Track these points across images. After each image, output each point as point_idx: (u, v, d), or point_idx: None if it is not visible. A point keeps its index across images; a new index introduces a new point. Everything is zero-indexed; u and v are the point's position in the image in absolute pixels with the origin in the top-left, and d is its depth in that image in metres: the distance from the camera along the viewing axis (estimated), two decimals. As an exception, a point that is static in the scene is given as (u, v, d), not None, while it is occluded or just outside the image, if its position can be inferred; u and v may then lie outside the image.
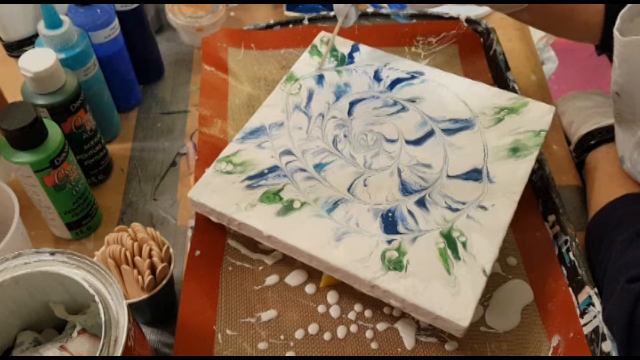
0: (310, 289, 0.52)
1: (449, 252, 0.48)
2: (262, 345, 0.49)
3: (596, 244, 0.53)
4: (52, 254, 0.40)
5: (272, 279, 0.53)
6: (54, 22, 0.55)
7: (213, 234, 0.55)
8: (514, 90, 0.63)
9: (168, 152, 0.66)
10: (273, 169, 0.54)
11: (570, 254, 0.52)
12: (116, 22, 0.62)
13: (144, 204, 0.61)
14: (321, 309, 0.51)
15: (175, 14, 0.75)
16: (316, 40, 0.66)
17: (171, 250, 0.50)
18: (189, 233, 0.55)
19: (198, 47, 0.75)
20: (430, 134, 0.57)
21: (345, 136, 0.57)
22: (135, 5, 0.65)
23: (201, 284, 0.52)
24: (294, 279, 0.53)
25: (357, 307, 0.51)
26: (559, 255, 0.53)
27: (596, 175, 0.59)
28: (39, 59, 0.52)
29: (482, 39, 0.72)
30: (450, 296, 0.46)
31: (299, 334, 0.50)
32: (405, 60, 0.64)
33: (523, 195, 0.52)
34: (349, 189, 0.52)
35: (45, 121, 0.50)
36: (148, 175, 0.64)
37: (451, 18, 0.72)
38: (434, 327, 0.49)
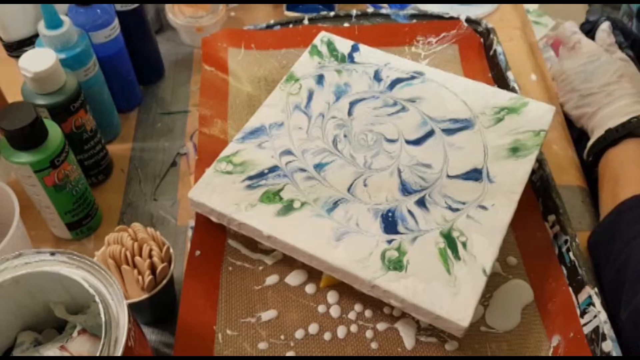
0: (310, 289, 0.52)
1: (449, 252, 0.48)
2: (262, 345, 0.49)
3: (607, 241, 0.52)
4: (53, 254, 0.40)
5: (272, 279, 0.53)
6: (54, 22, 0.55)
7: (213, 234, 0.55)
8: (514, 90, 0.63)
9: (168, 152, 0.66)
10: (273, 168, 0.54)
11: (570, 253, 0.52)
12: (116, 22, 0.62)
13: (144, 204, 0.61)
14: (321, 309, 0.51)
15: (175, 14, 0.75)
16: (316, 40, 0.66)
17: (171, 250, 0.50)
18: (189, 233, 0.55)
19: (198, 47, 0.75)
20: (430, 134, 0.57)
21: (345, 136, 0.57)
22: (135, 5, 0.65)
23: (201, 284, 0.52)
24: (294, 279, 0.53)
25: (357, 307, 0.51)
26: (559, 255, 0.53)
27: (625, 169, 0.57)
28: (39, 59, 0.52)
29: (482, 39, 0.72)
30: (450, 296, 0.46)
31: (299, 334, 0.50)
32: (406, 60, 0.64)
33: (523, 195, 0.52)
34: (349, 189, 0.52)
35: (46, 121, 0.50)
36: (148, 176, 0.64)
37: (451, 18, 0.73)
38: (434, 327, 0.49)
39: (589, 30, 0.69)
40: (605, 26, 0.67)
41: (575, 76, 0.66)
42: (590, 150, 0.62)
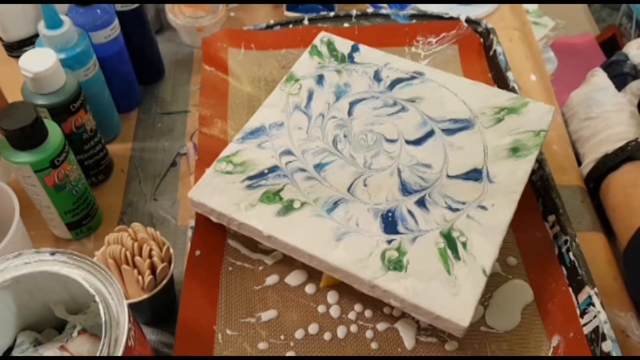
0: (310, 289, 0.52)
1: (449, 252, 0.48)
2: (262, 345, 0.49)
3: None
4: (52, 254, 0.40)
5: (272, 279, 0.53)
6: (54, 22, 0.55)
7: (213, 234, 0.55)
8: (513, 90, 0.63)
9: (168, 152, 0.66)
10: (273, 169, 0.54)
11: (570, 254, 0.52)
12: (116, 22, 0.62)
13: (144, 204, 0.61)
14: (321, 309, 0.51)
15: (175, 14, 0.75)
16: (316, 41, 0.66)
17: (171, 250, 0.50)
18: (189, 233, 0.55)
19: (198, 47, 0.75)
20: (430, 134, 0.57)
21: (345, 136, 0.57)
22: (136, 5, 0.65)
23: (201, 284, 0.52)
24: (294, 279, 0.53)
25: (357, 307, 0.51)
26: (559, 255, 0.53)
27: (629, 193, 0.57)
28: (39, 59, 0.52)
29: (482, 39, 0.72)
30: (451, 296, 0.46)
31: (299, 334, 0.50)
32: (405, 60, 0.64)
33: (523, 195, 0.52)
34: (349, 189, 0.52)
35: (46, 121, 0.50)
36: (148, 175, 0.64)
37: (451, 18, 0.73)
38: (434, 327, 0.49)
39: (610, 65, 0.69)
40: None
41: (579, 101, 0.67)
42: (588, 176, 0.62)
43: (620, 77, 0.66)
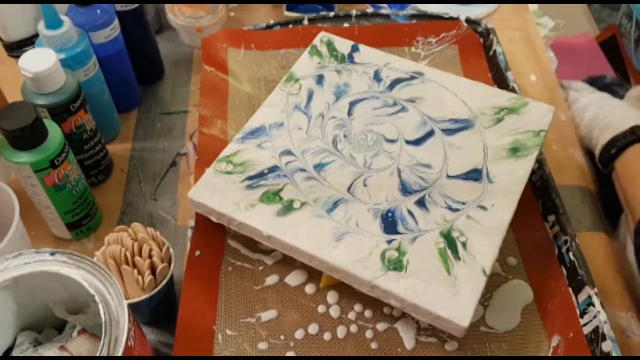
0: (310, 289, 0.52)
1: (448, 252, 0.48)
2: (262, 345, 0.49)
3: None
4: (52, 254, 0.40)
5: (272, 279, 0.53)
6: (54, 22, 0.55)
7: (213, 234, 0.55)
8: (513, 91, 0.63)
9: (168, 152, 0.66)
10: (273, 169, 0.54)
11: (570, 254, 0.52)
12: (116, 22, 0.62)
13: (144, 204, 0.61)
14: (321, 309, 0.51)
15: (175, 14, 0.75)
16: (316, 41, 0.66)
17: (171, 250, 0.50)
18: (189, 233, 0.55)
19: (198, 47, 0.75)
20: (430, 134, 0.57)
21: (345, 136, 0.57)
22: (135, 5, 0.65)
23: (201, 284, 0.52)
24: (294, 279, 0.53)
25: (357, 307, 0.51)
26: (559, 255, 0.53)
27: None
28: (39, 59, 0.52)
29: (482, 39, 0.72)
30: (450, 296, 0.46)
31: (299, 334, 0.50)
32: (405, 61, 0.64)
33: (523, 195, 0.52)
34: (348, 189, 0.52)
35: (46, 121, 0.50)
36: (148, 175, 0.64)
37: (451, 18, 0.73)
38: (434, 327, 0.49)
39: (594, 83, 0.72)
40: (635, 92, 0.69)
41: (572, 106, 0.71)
42: (602, 155, 0.63)
43: (605, 88, 0.69)
